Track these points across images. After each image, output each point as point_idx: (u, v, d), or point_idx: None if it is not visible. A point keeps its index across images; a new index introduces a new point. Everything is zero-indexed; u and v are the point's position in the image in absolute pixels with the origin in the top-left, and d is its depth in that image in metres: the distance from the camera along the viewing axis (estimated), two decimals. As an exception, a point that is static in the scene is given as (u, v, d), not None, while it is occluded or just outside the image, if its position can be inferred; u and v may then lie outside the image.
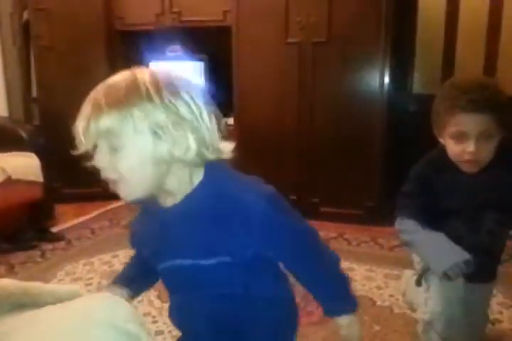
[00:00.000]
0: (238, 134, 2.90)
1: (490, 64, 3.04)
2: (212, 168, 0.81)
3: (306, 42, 2.80)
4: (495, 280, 1.43)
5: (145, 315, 1.78)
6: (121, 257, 2.37)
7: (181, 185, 0.80)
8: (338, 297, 0.93)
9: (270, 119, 2.97)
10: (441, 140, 1.30)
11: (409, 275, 1.59)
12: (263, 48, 2.91)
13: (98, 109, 0.73)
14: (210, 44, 3.18)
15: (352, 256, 2.33)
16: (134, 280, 0.97)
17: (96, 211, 3.14)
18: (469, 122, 1.19)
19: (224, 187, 0.81)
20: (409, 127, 3.05)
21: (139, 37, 3.21)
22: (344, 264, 2.21)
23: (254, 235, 0.80)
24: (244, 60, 2.95)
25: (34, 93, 3.42)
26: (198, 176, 0.81)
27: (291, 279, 0.95)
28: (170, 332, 1.68)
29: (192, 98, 0.76)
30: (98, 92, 0.75)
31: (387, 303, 1.88)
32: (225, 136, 0.82)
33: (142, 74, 0.76)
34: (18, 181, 2.42)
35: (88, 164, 0.81)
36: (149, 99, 0.73)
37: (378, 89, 2.74)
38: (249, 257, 0.83)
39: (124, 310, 0.83)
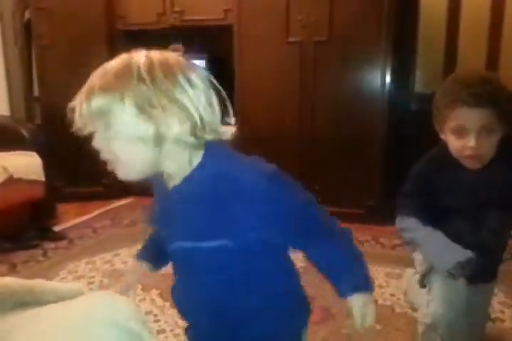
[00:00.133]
0: (239, 133, 2.90)
1: (492, 62, 3.03)
2: (212, 149, 0.80)
3: (307, 42, 2.80)
4: (496, 280, 1.43)
5: (147, 313, 1.79)
6: (123, 256, 2.37)
7: (180, 167, 0.80)
8: (351, 274, 0.86)
9: (271, 118, 2.97)
10: (442, 136, 1.29)
11: (410, 275, 1.59)
12: (264, 47, 2.91)
13: (90, 91, 0.75)
14: (212, 43, 3.18)
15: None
16: (154, 255, 1.00)
17: (98, 210, 3.14)
18: (470, 116, 1.17)
19: (223, 168, 0.80)
20: (411, 126, 3.04)
21: (141, 36, 3.20)
22: (345, 263, 2.23)
23: (256, 216, 0.79)
24: (246, 59, 2.95)
25: (36, 92, 3.42)
26: (198, 158, 0.80)
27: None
28: (172, 330, 1.68)
29: (188, 79, 0.76)
30: (93, 76, 0.77)
31: (388, 302, 1.88)
32: (229, 118, 0.83)
33: (138, 56, 0.77)
34: (20, 180, 2.43)
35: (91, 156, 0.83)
36: (140, 79, 0.73)
37: (379, 88, 2.73)
38: (252, 242, 0.82)
39: (126, 308, 0.83)
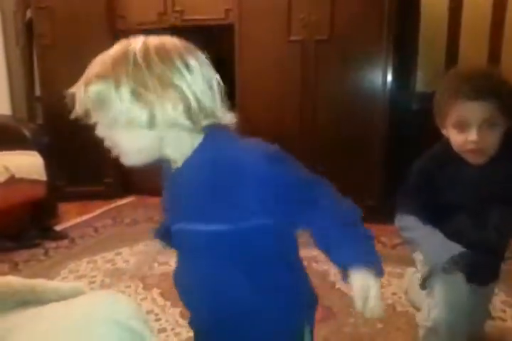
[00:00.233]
0: (239, 132, 2.90)
1: (493, 61, 3.03)
2: (213, 132, 0.81)
3: (308, 40, 2.80)
4: (498, 280, 1.42)
5: (148, 312, 1.79)
6: (125, 255, 2.37)
7: (182, 151, 0.81)
8: (357, 249, 0.79)
9: (272, 118, 2.97)
10: (443, 131, 1.28)
11: (411, 273, 1.59)
12: (265, 46, 2.91)
13: (88, 79, 0.76)
14: (212, 43, 3.17)
15: (354, 254, 2.33)
16: (166, 235, 0.98)
17: (99, 209, 3.15)
18: (472, 109, 1.16)
19: (223, 150, 0.79)
20: (412, 126, 3.04)
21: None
22: (347, 262, 2.23)
23: (256, 200, 0.77)
24: (247, 58, 2.95)
25: (37, 92, 3.43)
26: (198, 142, 0.81)
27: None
28: (173, 329, 1.68)
29: (186, 64, 0.77)
30: (92, 64, 0.78)
31: (389, 301, 1.88)
32: (226, 102, 0.83)
33: (136, 42, 0.78)
34: (22, 180, 2.43)
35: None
36: (136, 65, 0.74)
37: (380, 88, 2.73)
38: (253, 228, 0.80)
39: (128, 307, 0.84)
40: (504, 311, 1.78)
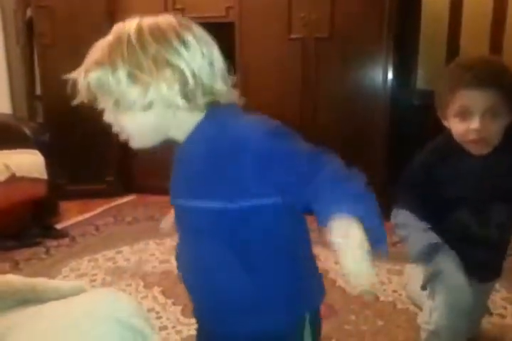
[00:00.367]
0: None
1: (494, 59, 3.02)
2: (214, 109, 0.80)
3: (309, 39, 2.80)
4: (499, 277, 1.41)
5: (149, 310, 1.79)
6: (126, 253, 2.38)
7: (185, 131, 0.80)
8: (349, 204, 0.66)
9: (272, 115, 2.93)
10: (445, 123, 1.26)
11: (410, 269, 1.58)
12: (266, 44, 2.90)
13: (87, 67, 0.77)
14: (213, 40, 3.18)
15: (355, 252, 2.33)
16: None
17: (100, 208, 3.15)
18: (474, 98, 1.14)
19: (222, 126, 0.77)
20: (412, 124, 3.04)
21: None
22: (347, 260, 2.23)
23: (254, 174, 0.72)
24: (247, 56, 2.95)
25: (38, 90, 3.43)
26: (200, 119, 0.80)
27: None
28: (174, 327, 1.69)
29: (183, 41, 0.76)
30: (91, 51, 0.79)
31: (390, 299, 1.89)
32: (230, 78, 0.83)
33: (130, 24, 0.78)
34: (23, 178, 2.43)
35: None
36: (130, 48, 0.74)
37: (381, 85, 2.73)
38: (250, 209, 0.77)
39: (128, 305, 0.84)
40: (505, 308, 1.78)
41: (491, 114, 1.15)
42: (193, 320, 1.71)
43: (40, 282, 0.89)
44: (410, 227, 1.27)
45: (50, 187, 2.61)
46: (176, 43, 0.75)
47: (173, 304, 1.85)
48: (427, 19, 3.15)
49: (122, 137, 0.82)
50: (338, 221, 0.63)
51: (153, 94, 0.75)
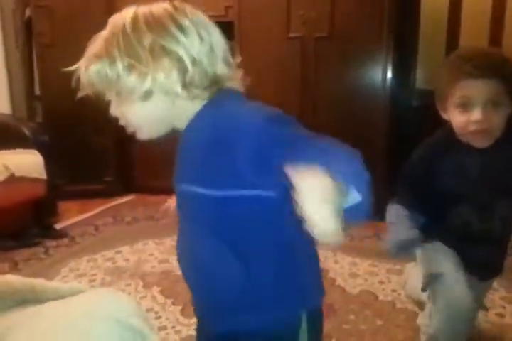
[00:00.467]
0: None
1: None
2: (216, 96, 0.78)
3: (308, 37, 2.79)
4: (500, 275, 1.39)
5: (148, 310, 1.79)
6: (125, 253, 2.38)
7: (188, 120, 0.80)
8: (328, 158, 0.60)
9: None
10: (444, 115, 1.24)
11: (410, 267, 1.58)
12: (265, 43, 2.90)
13: (87, 60, 0.77)
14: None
15: (355, 251, 2.33)
16: None
17: (99, 208, 3.15)
18: (475, 88, 1.13)
19: (221, 113, 0.75)
20: (412, 123, 3.04)
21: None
22: (347, 259, 2.23)
23: (249, 161, 0.68)
24: (247, 55, 2.93)
25: (37, 91, 3.43)
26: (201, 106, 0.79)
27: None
28: (173, 327, 1.69)
29: (180, 27, 0.75)
30: (91, 43, 0.78)
31: (389, 298, 1.89)
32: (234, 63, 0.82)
33: (126, 13, 0.77)
34: (22, 178, 2.43)
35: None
36: (125, 37, 0.74)
37: (381, 85, 2.73)
38: (243, 199, 0.74)
39: (127, 305, 0.84)
40: (504, 307, 1.78)
41: (493, 105, 1.13)
42: (193, 320, 1.72)
43: (40, 282, 0.89)
44: (395, 222, 1.27)
45: (50, 187, 2.61)
46: (172, 29, 0.74)
47: (173, 304, 1.85)
48: (427, 19, 3.15)
49: (129, 130, 0.82)
50: (306, 168, 0.56)
51: (151, 83, 0.74)
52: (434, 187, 1.25)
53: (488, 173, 1.22)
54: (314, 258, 0.89)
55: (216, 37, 0.80)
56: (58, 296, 0.85)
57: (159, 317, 1.76)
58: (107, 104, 0.82)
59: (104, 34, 0.77)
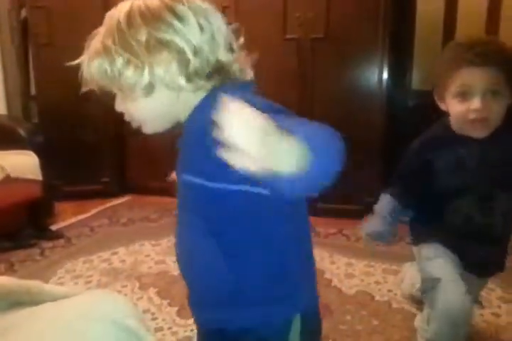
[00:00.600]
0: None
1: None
2: (217, 88, 0.77)
3: (304, 39, 2.80)
4: (499, 272, 1.38)
5: (144, 312, 1.79)
6: (121, 254, 2.37)
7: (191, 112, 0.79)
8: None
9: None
10: (442, 106, 1.23)
11: (407, 266, 1.58)
12: (262, 44, 2.89)
13: (88, 57, 0.77)
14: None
15: (351, 251, 2.34)
16: None
17: (95, 209, 3.14)
18: (476, 76, 1.12)
19: (218, 102, 0.73)
20: (408, 124, 3.05)
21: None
22: (343, 260, 2.23)
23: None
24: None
25: (33, 91, 3.42)
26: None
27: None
28: (169, 328, 1.68)
29: (177, 16, 0.74)
30: (91, 40, 0.78)
31: (385, 298, 1.89)
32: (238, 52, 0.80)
33: (122, 7, 0.77)
34: (17, 179, 2.42)
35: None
36: (120, 33, 0.73)
37: (377, 85, 2.74)
38: (234, 193, 0.72)
39: (124, 306, 0.83)
40: (499, 307, 1.79)
41: (492, 94, 1.13)
42: (189, 321, 1.72)
43: (36, 284, 0.89)
44: (377, 212, 1.28)
45: (45, 188, 2.60)
46: (169, 18, 0.73)
47: (169, 305, 1.85)
48: (422, 20, 3.16)
49: (134, 125, 0.81)
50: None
51: (150, 78, 0.73)
52: (432, 181, 1.24)
53: (487, 163, 1.21)
54: (307, 258, 0.88)
55: (217, 23, 0.78)
56: (54, 298, 0.84)
57: (155, 319, 1.76)
58: (106, 104, 0.82)
59: (101, 31, 0.77)
